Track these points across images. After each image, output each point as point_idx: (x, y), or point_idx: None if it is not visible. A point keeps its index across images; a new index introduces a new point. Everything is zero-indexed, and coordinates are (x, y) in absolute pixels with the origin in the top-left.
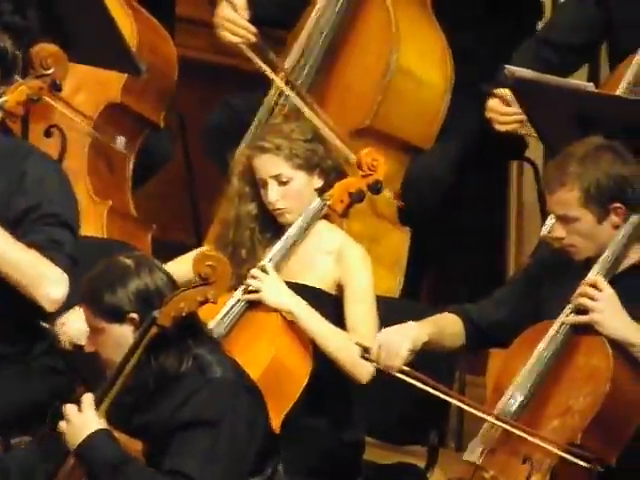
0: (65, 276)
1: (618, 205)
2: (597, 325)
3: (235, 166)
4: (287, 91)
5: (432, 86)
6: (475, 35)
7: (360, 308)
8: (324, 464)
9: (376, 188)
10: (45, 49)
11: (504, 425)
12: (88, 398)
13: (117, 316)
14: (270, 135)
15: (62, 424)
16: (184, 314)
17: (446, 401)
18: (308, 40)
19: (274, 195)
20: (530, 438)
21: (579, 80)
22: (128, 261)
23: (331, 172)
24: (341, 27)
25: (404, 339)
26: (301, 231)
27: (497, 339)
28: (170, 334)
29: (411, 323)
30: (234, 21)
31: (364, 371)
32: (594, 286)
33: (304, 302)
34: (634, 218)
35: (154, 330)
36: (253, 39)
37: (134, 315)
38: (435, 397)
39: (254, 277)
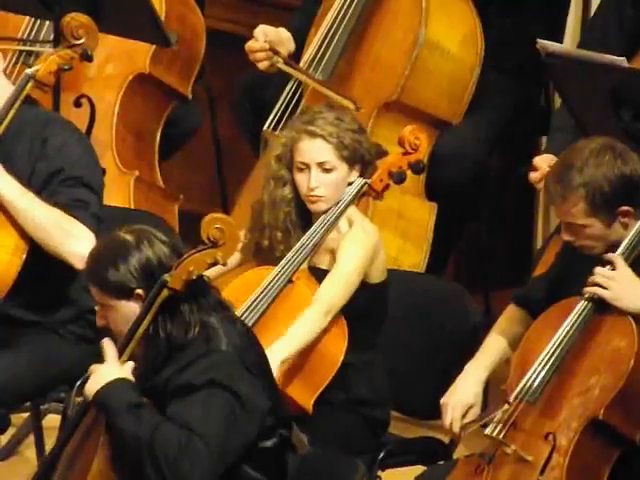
0: (91, 233)
1: (625, 208)
2: (611, 300)
3: (274, 148)
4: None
5: (461, 61)
6: (511, 14)
7: (333, 289)
8: (348, 439)
9: (418, 167)
10: (76, 19)
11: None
12: (110, 346)
13: (123, 293)
14: (320, 121)
15: (90, 372)
16: (194, 277)
17: None
18: (338, 13)
19: (315, 181)
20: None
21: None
22: (128, 236)
23: (368, 167)
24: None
25: (468, 397)
26: (342, 213)
27: None
28: (179, 300)
29: (469, 378)
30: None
31: None
32: (610, 264)
33: None
34: None
35: (165, 293)
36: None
37: (140, 291)
38: None
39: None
